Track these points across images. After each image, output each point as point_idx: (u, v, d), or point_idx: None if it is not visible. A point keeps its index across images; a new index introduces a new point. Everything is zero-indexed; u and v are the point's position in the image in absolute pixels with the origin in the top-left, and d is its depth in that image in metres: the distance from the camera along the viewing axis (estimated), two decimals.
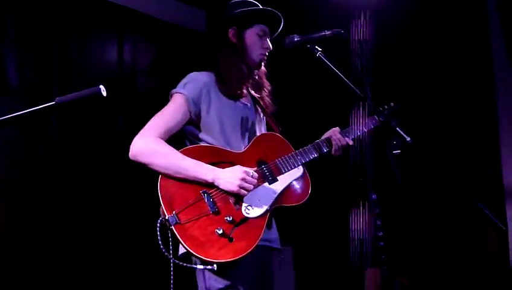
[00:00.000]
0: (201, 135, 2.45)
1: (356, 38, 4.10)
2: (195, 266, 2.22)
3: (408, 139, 2.37)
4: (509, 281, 3.75)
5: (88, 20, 4.01)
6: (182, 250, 2.31)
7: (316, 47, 2.54)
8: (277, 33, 2.68)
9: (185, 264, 2.21)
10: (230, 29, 2.58)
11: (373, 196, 3.94)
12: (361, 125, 2.75)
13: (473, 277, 4.02)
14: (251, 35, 2.58)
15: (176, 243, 2.21)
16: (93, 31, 4.08)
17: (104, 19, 4.11)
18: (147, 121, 4.13)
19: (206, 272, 2.26)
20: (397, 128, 2.40)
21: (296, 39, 2.56)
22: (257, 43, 2.57)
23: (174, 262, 2.19)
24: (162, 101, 4.30)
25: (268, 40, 2.62)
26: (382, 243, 3.91)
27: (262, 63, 2.63)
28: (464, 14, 4.18)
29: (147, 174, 3.98)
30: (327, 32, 2.54)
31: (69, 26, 3.87)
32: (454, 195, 4.00)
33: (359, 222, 4.09)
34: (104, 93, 1.51)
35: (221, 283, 2.27)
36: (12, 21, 3.60)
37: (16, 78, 3.58)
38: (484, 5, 4.05)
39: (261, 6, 2.62)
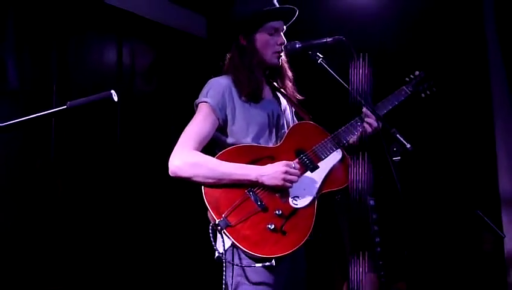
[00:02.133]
0: (229, 140, 2.46)
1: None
2: (253, 264, 2.23)
3: (408, 146, 2.40)
4: (504, 286, 3.80)
5: (87, 24, 3.99)
6: (216, 253, 2.31)
7: (318, 54, 2.57)
8: (292, 21, 2.63)
9: (239, 264, 2.26)
10: (240, 35, 2.55)
11: (371, 202, 3.97)
12: (392, 98, 2.71)
13: (470, 283, 4.06)
14: (261, 36, 2.54)
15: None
16: (92, 34, 4.06)
17: (103, 22, 4.09)
18: (145, 125, 4.24)
19: (237, 269, 2.28)
20: (397, 135, 2.44)
21: (297, 46, 2.57)
22: (269, 42, 2.53)
23: (229, 263, 2.24)
24: (160, 104, 4.39)
25: (281, 34, 2.57)
26: (379, 249, 3.94)
27: (281, 59, 2.59)
28: (462, 26, 4.25)
29: (145, 177, 4.04)
30: (328, 40, 2.55)
31: (69, 29, 3.85)
32: (453, 202, 4.04)
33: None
34: (116, 98, 1.54)
35: (252, 280, 2.28)
36: (12, 24, 3.59)
37: (16, 81, 3.57)
38: (481, 16, 4.12)
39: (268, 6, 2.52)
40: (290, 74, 2.68)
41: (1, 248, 3.39)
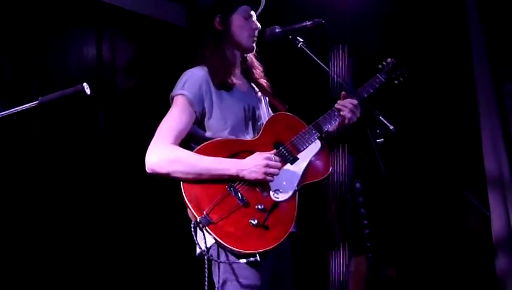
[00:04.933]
0: (207, 133, 2.40)
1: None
2: (237, 261, 2.18)
3: (391, 127, 2.38)
4: (493, 269, 3.80)
5: (65, 17, 3.92)
6: (198, 251, 2.27)
7: (298, 38, 2.55)
8: (260, 10, 2.64)
9: (223, 261, 2.21)
10: (215, 17, 2.49)
11: (357, 185, 3.97)
12: (367, 86, 2.70)
13: (458, 263, 4.07)
14: (238, 19, 2.51)
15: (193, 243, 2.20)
16: (70, 27, 3.98)
17: (81, 15, 4.02)
18: (128, 118, 4.18)
19: (223, 266, 2.22)
20: (380, 117, 2.42)
21: (277, 30, 2.55)
22: (245, 25, 2.51)
23: (214, 260, 2.20)
24: (143, 99, 4.34)
25: (255, 19, 2.56)
26: (367, 231, 3.95)
27: (254, 44, 2.56)
28: (444, 11, 4.23)
29: (129, 170, 3.99)
30: (308, 23, 2.53)
31: (46, 23, 3.78)
32: (438, 183, 4.04)
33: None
34: (88, 91, 1.51)
35: (239, 276, 2.22)
36: None
37: None
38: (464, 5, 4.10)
39: None
40: (258, 64, 2.68)
41: None
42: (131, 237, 4.08)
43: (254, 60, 2.66)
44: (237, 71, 2.56)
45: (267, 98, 2.69)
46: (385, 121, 2.37)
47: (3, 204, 3.47)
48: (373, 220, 4.00)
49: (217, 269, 2.25)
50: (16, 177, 3.55)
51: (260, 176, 2.26)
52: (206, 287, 2.18)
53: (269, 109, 2.70)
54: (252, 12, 2.56)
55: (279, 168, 2.32)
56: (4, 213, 3.46)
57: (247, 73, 2.65)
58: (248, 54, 2.64)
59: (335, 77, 2.50)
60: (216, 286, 2.26)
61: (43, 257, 3.58)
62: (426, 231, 4.19)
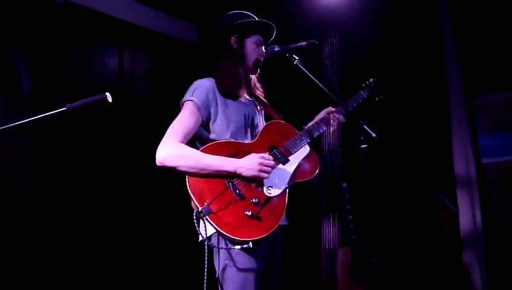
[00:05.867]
0: (211, 136, 2.49)
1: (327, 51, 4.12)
2: (233, 247, 2.25)
3: (374, 135, 2.40)
4: (460, 257, 3.81)
5: (91, 33, 4.05)
6: (200, 238, 2.33)
7: (294, 56, 2.58)
8: (269, 42, 2.74)
9: (221, 247, 2.27)
10: (232, 37, 2.61)
11: (344, 185, 3.98)
12: (352, 101, 2.78)
13: (431, 253, 4.08)
14: (250, 43, 2.61)
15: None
16: (96, 43, 4.11)
17: (105, 32, 4.15)
18: (145, 123, 4.20)
19: (222, 253, 2.28)
20: (364, 126, 2.44)
21: (276, 49, 2.65)
22: (255, 50, 2.62)
23: (211, 246, 2.24)
24: (158, 105, 4.37)
25: (263, 48, 2.68)
26: (352, 225, 3.95)
27: (258, 69, 2.68)
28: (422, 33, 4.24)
29: (145, 171, 3.99)
30: (303, 43, 2.62)
31: (75, 39, 3.90)
32: (415, 183, 4.04)
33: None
34: (110, 100, 1.51)
35: (236, 262, 2.26)
36: (24, 36, 3.59)
37: (28, 87, 3.55)
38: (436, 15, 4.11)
39: (257, 18, 2.66)
40: (260, 86, 2.77)
41: (18, 236, 3.40)
42: (143, 225, 4.13)
43: (256, 80, 2.79)
44: (242, 85, 2.66)
45: (263, 111, 2.82)
46: (369, 130, 2.41)
47: (35, 198, 3.52)
48: (357, 216, 4.00)
49: (217, 256, 2.33)
50: (44, 175, 3.61)
51: (255, 173, 2.35)
52: (205, 271, 2.23)
53: (264, 121, 2.79)
54: (262, 41, 2.68)
55: (272, 167, 2.42)
56: (37, 206, 3.51)
57: (250, 89, 2.76)
58: (251, 75, 2.77)
59: (326, 90, 2.48)
60: (216, 271, 2.34)
61: (63, 249, 3.64)
62: (404, 224, 4.20)
